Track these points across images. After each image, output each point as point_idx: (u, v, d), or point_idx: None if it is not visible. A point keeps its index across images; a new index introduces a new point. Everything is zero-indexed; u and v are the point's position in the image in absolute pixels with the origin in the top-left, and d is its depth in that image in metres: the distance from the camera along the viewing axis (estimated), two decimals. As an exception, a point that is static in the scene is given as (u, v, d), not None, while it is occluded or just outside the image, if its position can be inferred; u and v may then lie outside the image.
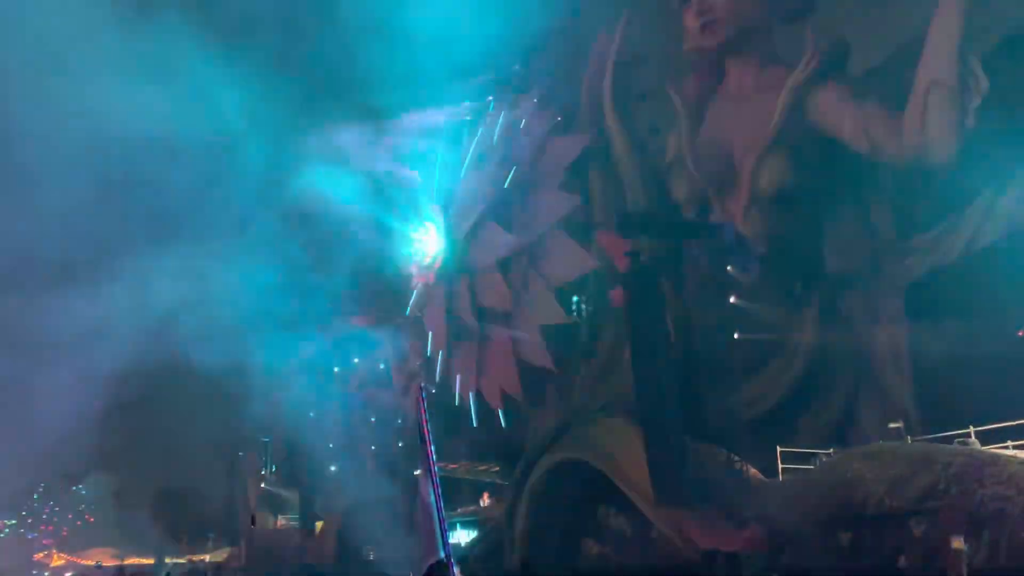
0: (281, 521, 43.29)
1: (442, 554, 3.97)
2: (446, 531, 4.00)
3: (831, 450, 18.83)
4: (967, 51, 17.48)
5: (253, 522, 40.23)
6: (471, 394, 29.77)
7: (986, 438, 16.08)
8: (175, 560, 45.17)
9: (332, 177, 29.74)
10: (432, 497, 4.10)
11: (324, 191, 30.27)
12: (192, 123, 26.84)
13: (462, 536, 30.15)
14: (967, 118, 17.39)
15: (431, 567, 3.90)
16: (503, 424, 28.87)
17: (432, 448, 4.28)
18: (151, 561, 45.39)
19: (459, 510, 31.42)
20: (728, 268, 21.60)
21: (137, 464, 45.81)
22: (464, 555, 25.90)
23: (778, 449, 19.05)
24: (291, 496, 42.24)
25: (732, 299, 21.35)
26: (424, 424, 4.62)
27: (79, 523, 55.94)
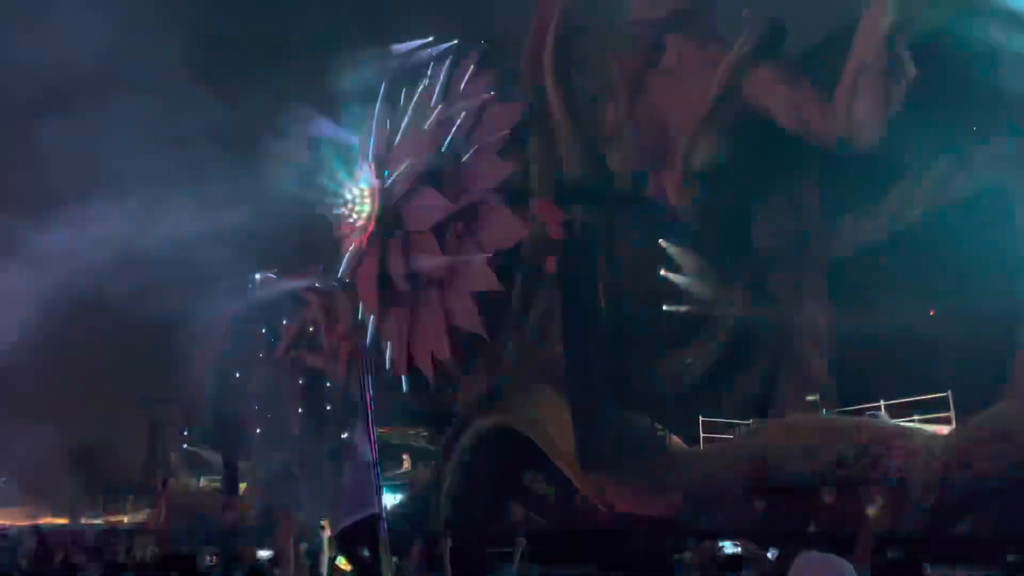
0: (204, 482, 42.62)
1: (376, 509, 4.04)
2: (380, 488, 4.07)
3: (751, 421, 19.47)
4: (896, 37, 17.93)
5: (164, 485, 39.48)
6: (402, 358, 29.70)
7: (895, 412, 16.90)
8: (93, 521, 44.09)
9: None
10: (369, 455, 4.15)
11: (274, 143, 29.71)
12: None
13: (388, 499, 30.27)
14: (893, 103, 17.87)
15: (366, 518, 3.96)
16: (431, 388, 28.94)
17: (371, 407, 4.34)
18: (66, 521, 44.13)
19: (385, 473, 31.47)
20: (660, 241, 21.95)
21: (53, 416, 44.32)
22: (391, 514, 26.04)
23: (700, 419, 19.60)
24: (214, 457, 41.57)
25: (662, 272, 21.73)
26: (365, 383, 4.69)
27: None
